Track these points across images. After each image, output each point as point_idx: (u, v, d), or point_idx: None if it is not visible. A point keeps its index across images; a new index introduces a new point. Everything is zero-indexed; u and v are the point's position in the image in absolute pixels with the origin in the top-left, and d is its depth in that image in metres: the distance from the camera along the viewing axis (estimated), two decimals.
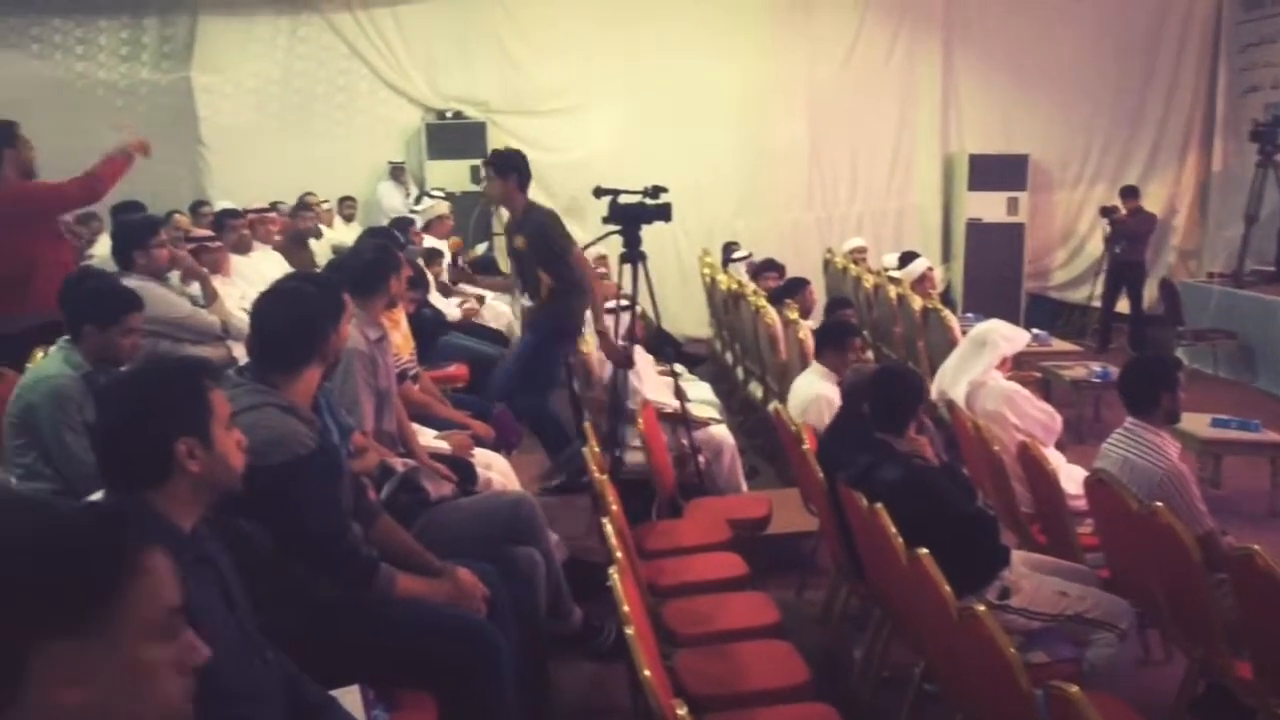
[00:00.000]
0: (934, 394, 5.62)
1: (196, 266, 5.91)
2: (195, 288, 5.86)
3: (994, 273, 11.98)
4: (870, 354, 8.73)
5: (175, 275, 5.81)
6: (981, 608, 2.77)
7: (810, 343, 6.17)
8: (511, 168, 5.79)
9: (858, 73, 11.99)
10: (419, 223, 9.05)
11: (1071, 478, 4.54)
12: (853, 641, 4.31)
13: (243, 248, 7.10)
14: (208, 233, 6.69)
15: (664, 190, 5.40)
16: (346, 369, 3.71)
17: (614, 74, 11.52)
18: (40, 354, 4.13)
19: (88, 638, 1.21)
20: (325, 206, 10.32)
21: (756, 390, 7.67)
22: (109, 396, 2.18)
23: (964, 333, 6.34)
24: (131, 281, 4.55)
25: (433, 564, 3.07)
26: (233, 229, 7.12)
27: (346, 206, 11.01)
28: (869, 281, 9.31)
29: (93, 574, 1.22)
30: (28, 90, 10.86)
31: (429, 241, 8.77)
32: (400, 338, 4.84)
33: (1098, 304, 11.41)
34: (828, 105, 11.96)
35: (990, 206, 11.97)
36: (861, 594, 4.24)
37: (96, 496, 2.18)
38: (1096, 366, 7.85)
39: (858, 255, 10.45)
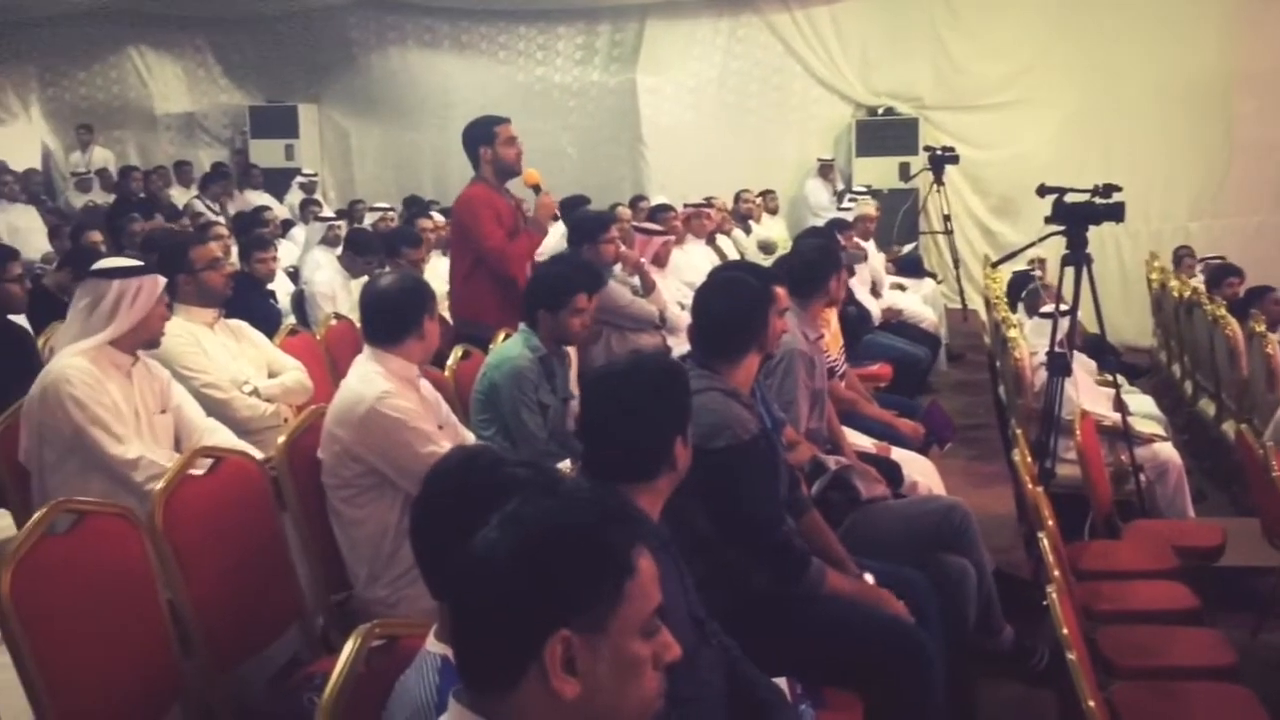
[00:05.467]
0: None
1: (636, 258, 6.22)
2: (634, 278, 6.16)
3: None
4: None
5: (617, 265, 6.13)
6: None
7: None
8: None
9: None
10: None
11: None
12: None
13: (676, 241, 7.40)
14: (659, 228, 7.00)
15: (1117, 189, 5.07)
16: (788, 368, 3.77)
17: (1060, 66, 10.88)
18: (503, 336, 4.52)
19: (593, 633, 1.28)
20: (756, 202, 10.56)
21: (1208, 407, 7.04)
22: (606, 391, 2.32)
23: None
24: None
25: (851, 570, 3.05)
26: (668, 222, 7.44)
27: (770, 200, 11.18)
28: None
29: (609, 570, 1.29)
30: (493, 93, 11.95)
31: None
32: (830, 336, 4.85)
33: None
34: None
35: None
36: None
37: (564, 466, 2.34)
38: None
39: None
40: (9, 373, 3.93)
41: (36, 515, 2.52)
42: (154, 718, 2.70)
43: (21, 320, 4.81)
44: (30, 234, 9.28)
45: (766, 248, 9.67)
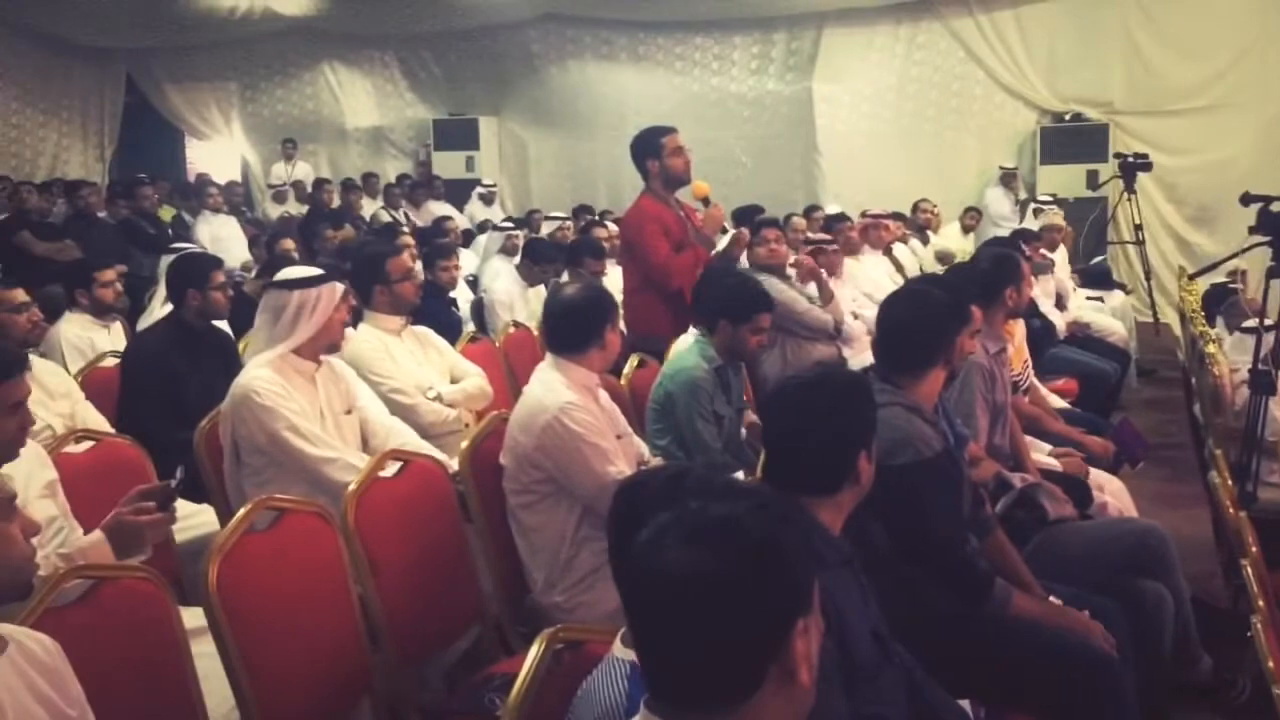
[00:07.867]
0: None
1: (814, 267, 6.15)
2: (811, 287, 6.09)
3: None
4: None
5: (792, 272, 6.07)
6: None
7: None
8: None
9: None
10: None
11: None
12: None
13: (850, 251, 7.30)
14: (826, 236, 6.92)
15: None
16: (965, 381, 3.68)
17: (1262, 67, 10.25)
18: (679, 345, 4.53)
19: (809, 614, 1.32)
20: (934, 211, 10.33)
21: None
22: (791, 403, 2.30)
23: None
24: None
25: (1037, 592, 2.94)
26: (842, 232, 7.35)
27: (969, 217, 10.84)
28: None
29: (809, 551, 1.34)
30: (669, 104, 12.07)
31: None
32: (1014, 349, 4.70)
33: None
34: None
35: None
36: None
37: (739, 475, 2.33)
38: None
39: None
40: (216, 376, 4.12)
41: (241, 512, 2.65)
42: (345, 708, 2.81)
43: (224, 326, 5.06)
44: (231, 243, 9.78)
45: (944, 258, 9.45)
